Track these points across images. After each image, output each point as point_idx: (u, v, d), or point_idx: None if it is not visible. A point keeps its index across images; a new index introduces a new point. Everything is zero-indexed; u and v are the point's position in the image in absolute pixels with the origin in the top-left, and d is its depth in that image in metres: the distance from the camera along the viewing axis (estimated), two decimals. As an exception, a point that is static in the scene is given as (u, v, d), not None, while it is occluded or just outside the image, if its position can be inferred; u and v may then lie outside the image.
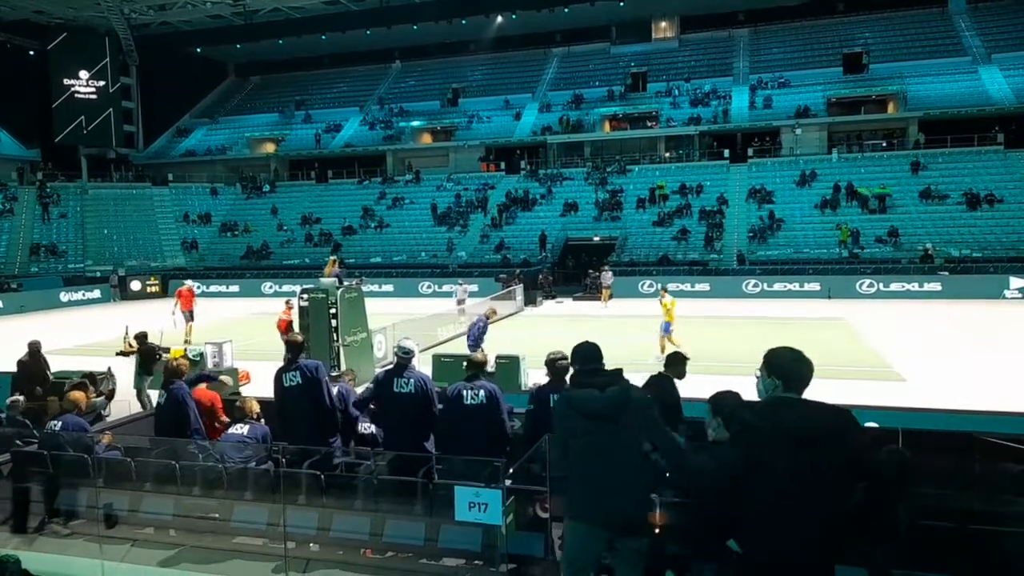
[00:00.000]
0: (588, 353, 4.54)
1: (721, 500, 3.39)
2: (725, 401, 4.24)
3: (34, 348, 11.30)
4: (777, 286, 29.01)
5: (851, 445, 3.27)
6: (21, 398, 8.32)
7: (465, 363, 6.46)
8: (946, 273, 27.61)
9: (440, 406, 6.30)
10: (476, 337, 14.68)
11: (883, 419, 7.87)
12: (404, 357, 6.39)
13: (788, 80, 42.92)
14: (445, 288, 30.74)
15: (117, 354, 12.56)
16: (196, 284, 23.32)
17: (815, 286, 28.50)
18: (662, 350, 15.79)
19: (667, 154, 42.04)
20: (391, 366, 6.58)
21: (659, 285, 30.06)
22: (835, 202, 33.51)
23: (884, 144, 38.91)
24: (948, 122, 37.03)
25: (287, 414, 6.61)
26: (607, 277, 27.76)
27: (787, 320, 22.50)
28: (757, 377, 3.51)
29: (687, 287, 29.94)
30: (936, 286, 27.14)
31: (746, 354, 16.83)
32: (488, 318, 15.18)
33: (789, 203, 34.70)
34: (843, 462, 3.20)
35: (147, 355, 11.88)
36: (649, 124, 43.69)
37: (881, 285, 27.84)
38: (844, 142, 40.33)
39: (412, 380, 6.21)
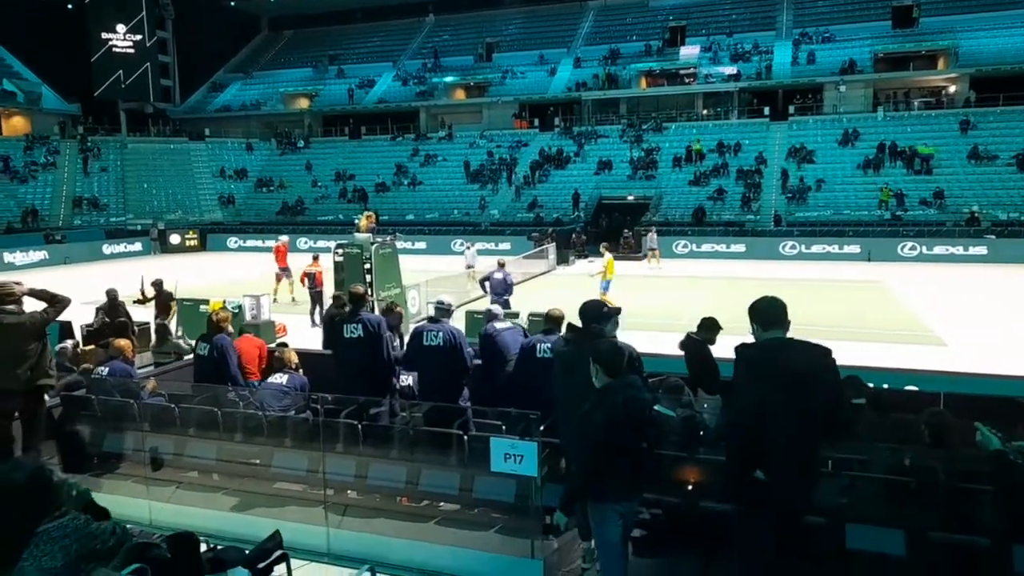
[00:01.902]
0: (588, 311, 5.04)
1: (748, 436, 3.74)
2: (601, 349, 4.31)
3: (112, 295, 11.59)
4: (815, 248, 28.45)
5: (836, 376, 3.76)
6: (69, 343, 8.58)
7: (543, 318, 6.41)
8: (993, 236, 26.77)
9: (514, 356, 6.29)
10: (504, 292, 14.63)
11: (923, 383, 7.72)
12: (438, 309, 6.44)
13: (833, 34, 41.41)
14: (478, 246, 30.71)
15: (134, 303, 12.85)
16: (287, 238, 21.42)
17: (855, 248, 27.89)
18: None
19: (705, 111, 41.12)
20: (424, 320, 6.66)
21: (691, 246, 29.89)
22: (878, 162, 32.54)
23: (932, 102, 37.52)
24: (1001, 79, 35.47)
25: (344, 365, 6.72)
26: (652, 239, 27.21)
27: (824, 282, 22.10)
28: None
29: (722, 248, 29.55)
30: (982, 250, 26.37)
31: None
32: (503, 266, 15.30)
33: (831, 163, 33.79)
34: (832, 391, 3.70)
35: (163, 302, 12.30)
36: (687, 80, 42.66)
37: (924, 248, 27.13)
38: (891, 100, 38.97)
39: (441, 333, 6.29)
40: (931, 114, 36.08)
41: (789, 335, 3.80)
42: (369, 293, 13.93)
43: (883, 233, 28.47)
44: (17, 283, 5.88)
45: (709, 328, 6.78)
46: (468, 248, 23.07)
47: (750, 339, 3.89)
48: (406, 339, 7.30)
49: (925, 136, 33.47)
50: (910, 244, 27.38)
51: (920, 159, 31.79)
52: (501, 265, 15.40)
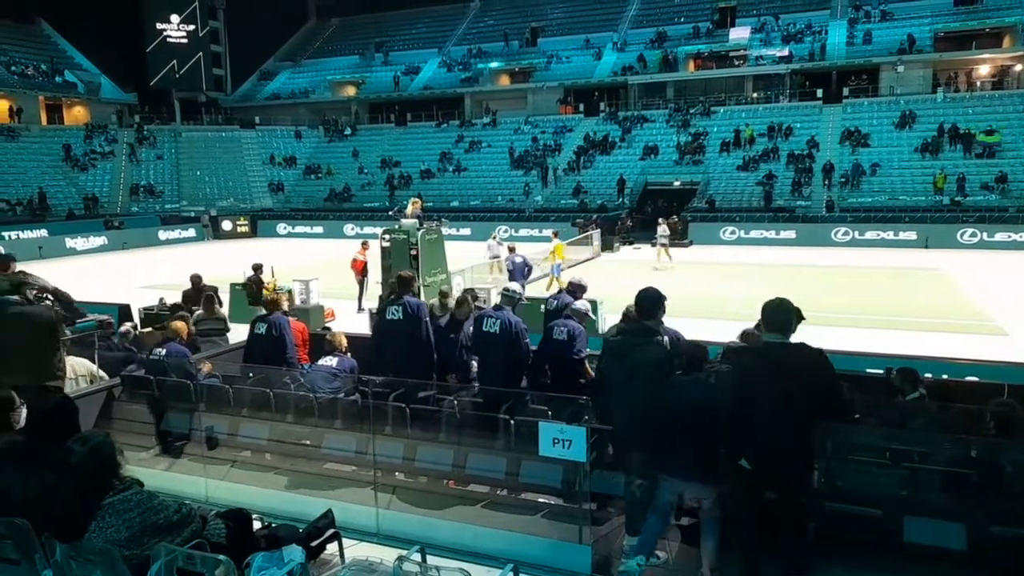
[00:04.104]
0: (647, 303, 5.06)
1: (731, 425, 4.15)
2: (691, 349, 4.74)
3: (196, 279, 11.93)
4: (869, 234, 27.64)
5: (823, 378, 3.99)
6: (128, 326, 8.86)
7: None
8: (1060, 223, 25.65)
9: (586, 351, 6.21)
10: (522, 276, 14.78)
11: (985, 373, 7.48)
12: (503, 296, 6.45)
13: (892, 12, 39.94)
14: (522, 232, 30.75)
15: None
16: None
17: (911, 235, 27.00)
18: (548, 289, 16.56)
19: (755, 94, 40.16)
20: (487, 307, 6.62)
21: (738, 232, 29.33)
22: (937, 146, 31.37)
23: (996, 82, 35.93)
24: (1073, 57, 33.81)
25: (384, 346, 6.78)
26: (663, 232, 23.38)
27: (879, 269, 21.47)
28: None
29: (771, 234, 28.94)
30: (1047, 237, 25.29)
31: (828, 306, 16.29)
32: (513, 250, 15.63)
33: (886, 147, 32.73)
34: (816, 391, 3.93)
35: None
36: (737, 63, 41.71)
37: (985, 235, 26.11)
38: (951, 81, 37.46)
39: (499, 321, 6.25)
40: (995, 95, 34.62)
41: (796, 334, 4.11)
42: (416, 278, 14.09)
43: (941, 219, 27.50)
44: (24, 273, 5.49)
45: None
46: (493, 238, 22.20)
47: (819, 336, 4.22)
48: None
49: (988, 118, 32.11)
50: (970, 231, 26.39)
51: (981, 144, 30.52)
52: (512, 250, 15.67)
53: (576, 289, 7.13)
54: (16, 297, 5.35)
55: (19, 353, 5.23)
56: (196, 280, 11.91)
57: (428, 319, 6.80)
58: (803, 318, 4.29)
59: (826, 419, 4.04)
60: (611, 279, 20.02)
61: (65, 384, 5.83)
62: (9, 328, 5.23)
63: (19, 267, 6.02)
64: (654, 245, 23.91)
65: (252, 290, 13.32)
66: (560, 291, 7.32)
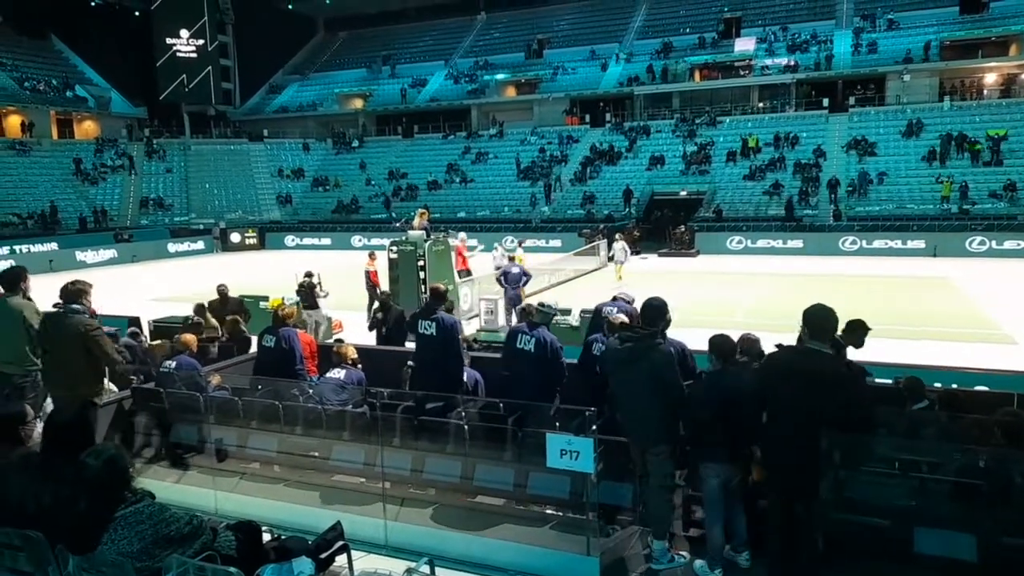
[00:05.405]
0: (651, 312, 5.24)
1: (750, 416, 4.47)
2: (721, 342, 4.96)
3: (222, 290, 11.97)
4: (877, 243, 27.55)
5: (848, 393, 4.17)
6: (135, 330, 8.92)
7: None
8: (1069, 230, 25.51)
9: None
10: (516, 283, 14.73)
11: (993, 382, 7.44)
12: (539, 312, 6.48)
13: (897, 21, 39.95)
14: (528, 243, 30.75)
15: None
16: (464, 236, 19.13)
17: (919, 243, 26.89)
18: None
19: (761, 104, 40.20)
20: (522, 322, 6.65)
21: (745, 241, 29.28)
22: (944, 154, 31.29)
23: (1004, 90, 35.86)
24: (1080, 65, 33.71)
25: (417, 361, 6.86)
26: (621, 248, 22.25)
27: (886, 278, 21.39)
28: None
29: (778, 243, 28.89)
30: (1056, 245, 25.15)
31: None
32: (514, 259, 15.82)
33: (893, 155, 32.68)
34: (839, 403, 4.05)
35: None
36: (742, 73, 41.78)
37: (994, 243, 25.98)
38: (957, 90, 37.41)
39: (534, 339, 6.24)
40: (1002, 103, 34.53)
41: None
42: (423, 289, 14.14)
43: (949, 227, 27.37)
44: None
45: (855, 330, 6.07)
46: (496, 249, 21.96)
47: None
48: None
49: (995, 127, 32.03)
50: (979, 239, 26.27)
51: (990, 149, 30.45)
52: (511, 259, 16.15)
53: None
54: (79, 306, 5.30)
55: (75, 363, 5.23)
56: (223, 291, 11.94)
57: (461, 336, 6.84)
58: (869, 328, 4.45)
59: (849, 425, 4.16)
60: (618, 289, 20.00)
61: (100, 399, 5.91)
62: (70, 337, 5.17)
63: (31, 280, 6.07)
64: (612, 260, 22.57)
65: (305, 295, 13.57)
66: (615, 299, 7.40)
